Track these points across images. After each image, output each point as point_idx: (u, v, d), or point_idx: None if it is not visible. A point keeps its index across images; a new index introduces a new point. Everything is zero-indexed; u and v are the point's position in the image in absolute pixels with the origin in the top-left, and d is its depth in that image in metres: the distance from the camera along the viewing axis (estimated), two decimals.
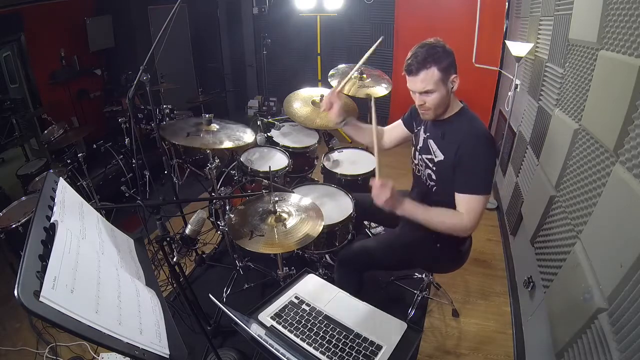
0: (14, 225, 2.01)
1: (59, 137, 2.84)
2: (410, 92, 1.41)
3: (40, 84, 3.50)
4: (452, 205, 1.38)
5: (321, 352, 1.04)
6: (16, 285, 0.54)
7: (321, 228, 1.49)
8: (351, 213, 1.79)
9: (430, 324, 2.03)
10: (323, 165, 2.22)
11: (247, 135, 2.00)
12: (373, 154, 2.33)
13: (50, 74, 3.58)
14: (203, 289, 2.21)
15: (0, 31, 3.13)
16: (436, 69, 1.29)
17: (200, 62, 5.02)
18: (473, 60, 3.74)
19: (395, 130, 1.77)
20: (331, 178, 2.15)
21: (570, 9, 1.76)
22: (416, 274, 2.25)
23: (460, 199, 1.35)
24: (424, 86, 1.32)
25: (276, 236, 1.47)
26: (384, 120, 4.67)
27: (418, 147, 1.58)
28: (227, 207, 2.07)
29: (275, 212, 1.55)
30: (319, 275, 1.38)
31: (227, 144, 1.87)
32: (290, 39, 4.66)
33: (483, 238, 2.69)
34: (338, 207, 1.87)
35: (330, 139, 2.50)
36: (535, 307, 1.73)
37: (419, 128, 1.60)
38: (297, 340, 1.08)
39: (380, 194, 1.33)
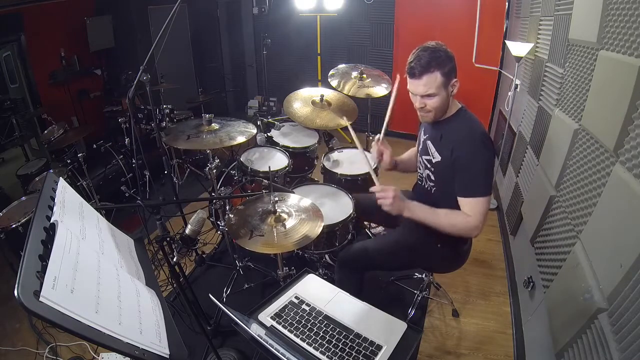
0: (14, 225, 2.01)
1: (59, 137, 2.84)
2: (410, 95, 1.41)
3: (40, 84, 3.50)
4: (450, 206, 1.38)
5: (321, 352, 1.04)
6: (16, 285, 0.54)
7: (320, 229, 1.49)
8: (351, 213, 1.79)
9: (430, 324, 2.03)
10: (323, 165, 2.22)
11: (250, 128, 2.02)
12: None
13: (50, 74, 3.58)
14: (203, 289, 2.21)
15: (0, 31, 3.13)
16: (439, 73, 1.29)
17: (200, 62, 5.02)
18: (473, 60, 3.74)
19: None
20: (331, 178, 2.15)
21: (570, 9, 1.76)
22: (416, 274, 2.25)
23: (464, 202, 1.36)
24: (426, 90, 1.33)
25: (275, 236, 1.47)
26: (384, 121, 4.68)
27: (419, 149, 1.59)
28: (227, 207, 2.07)
29: (275, 212, 1.55)
30: (319, 275, 1.38)
31: (240, 139, 1.88)
32: (290, 39, 4.66)
33: (483, 238, 2.69)
34: (338, 207, 1.87)
35: (330, 139, 2.50)
36: (535, 307, 1.73)
37: (419, 130, 1.60)
38: (297, 340, 1.08)
39: (384, 199, 1.36)
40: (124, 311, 0.70)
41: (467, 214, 1.34)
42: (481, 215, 1.32)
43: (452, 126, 1.41)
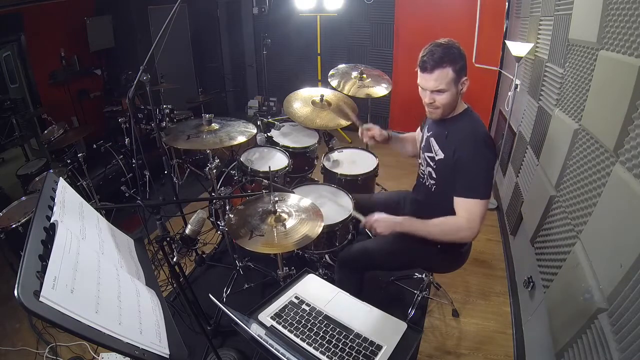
0: (14, 225, 2.01)
1: (59, 137, 2.84)
2: (419, 89, 1.41)
3: (40, 84, 3.50)
4: (451, 206, 1.38)
5: (321, 352, 1.04)
6: (16, 285, 0.54)
7: (320, 229, 1.49)
8: (351, 213, 1.79)
9: (430, 324, 2.03)
10: (323, 165, 2.22)
11: (250, 128, 2.02)
12: (374, 154, 2.34)
13: (50, 74, 3.58)
14: (203, 289, 2.21)
15: (0, 31, 3.12)
16: (451, 69, 1.30)
17: (200, 62, 5.02)
18: (473, 60, 3.74)
19: (418, 136, 1.81)
20: (331, 178, 2.15)
21: (570, 9, 1.76)
22: (416, 274, 2.25)
23: (459, 202, 1.35)
24: (437, 85, 1.33)
25: (275, 236, 1.47)
26: (384, 120, 4.70)
27: (421, 145, 1.59)
28: (227, 207, 2.07)
29: (275, 212, 1.55)
30: (319, 275, 1.38)
31: (240, 139, 1.89)
32: (290, 39, 4.66)
33: (483, 238, 2.69)
34: (338, 207, 1.87)
35: (330, 139, 2.50)
36: (535, 307, 1.73)
37: (423, 127, 1.60)
38: (297, 340, 1.08)
39: (372, 225, 1.43)
40: (124, 311, 0.70)
41: (459, 217, 1.34)
42: (477, 218, 1.32)
43: (458, 125, 1.41)
